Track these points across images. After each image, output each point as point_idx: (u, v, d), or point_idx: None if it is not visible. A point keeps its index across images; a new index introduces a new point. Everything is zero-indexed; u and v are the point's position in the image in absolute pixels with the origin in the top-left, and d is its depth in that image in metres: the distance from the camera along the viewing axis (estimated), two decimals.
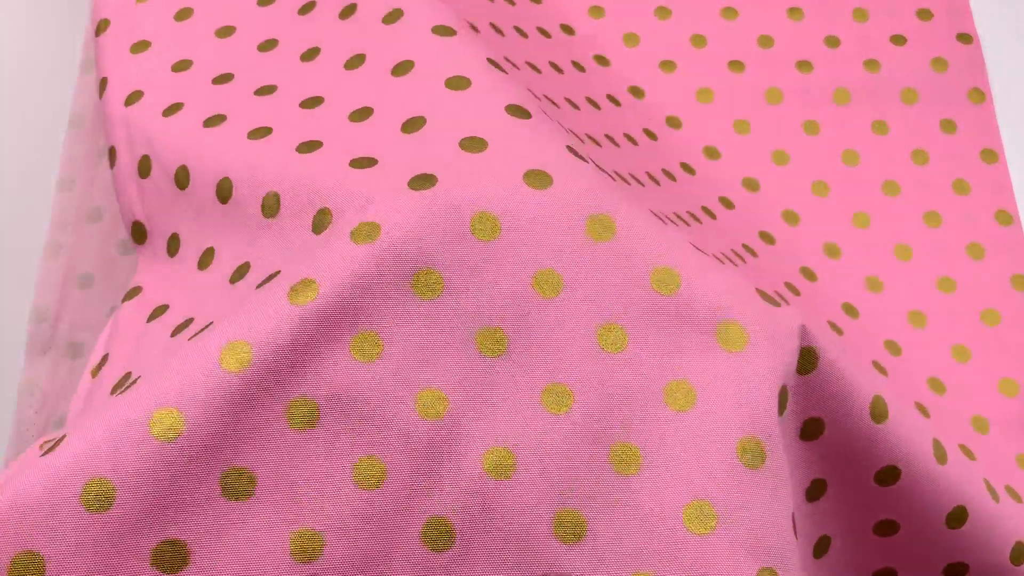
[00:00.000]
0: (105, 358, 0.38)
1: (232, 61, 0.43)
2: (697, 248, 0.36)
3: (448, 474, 0.32)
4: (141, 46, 0.44)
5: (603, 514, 0.32)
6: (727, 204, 0.48)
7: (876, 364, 0.44)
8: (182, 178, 0.39)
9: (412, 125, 0.37)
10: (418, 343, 0.32)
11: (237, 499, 0.30)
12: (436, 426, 0.32)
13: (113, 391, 0.34)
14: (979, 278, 0.49)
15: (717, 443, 0.33)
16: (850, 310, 0.46)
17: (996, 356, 0.47)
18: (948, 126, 0.52)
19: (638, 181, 0.42)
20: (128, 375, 0.34)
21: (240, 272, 0.36)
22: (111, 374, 0.36)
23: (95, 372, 0.38)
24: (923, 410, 0.44)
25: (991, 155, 0.52)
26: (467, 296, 0.33)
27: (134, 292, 0.40)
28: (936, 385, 0.46)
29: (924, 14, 0.55)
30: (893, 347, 0.46)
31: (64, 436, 0.30)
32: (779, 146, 0.51)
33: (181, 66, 0.43)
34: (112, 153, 0.42)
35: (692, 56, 0.54)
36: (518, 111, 0.37)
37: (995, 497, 0.39)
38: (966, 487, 0.38)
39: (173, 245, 0.40)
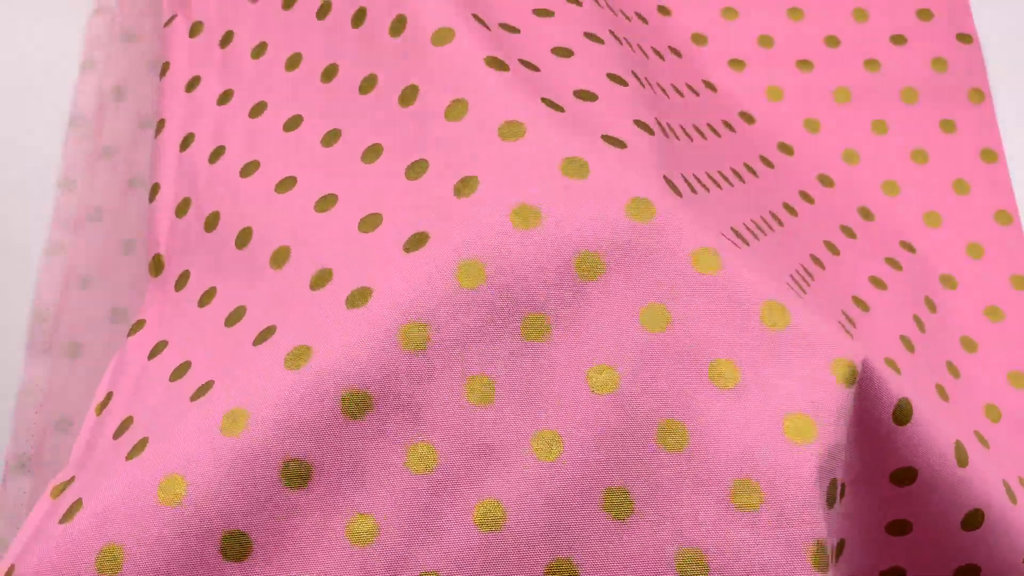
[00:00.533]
0: (109, 396, 0.39)
1: (265, 85, 0.44)
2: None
3: (443, 528, 0.33)
4: (194, 83, 0.46)
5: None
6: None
7: (889, 361, 0.44)
8: (211, 222, 0.41)
9: (415, 170, 0.37)
10: (407, 399, 0.33)
11: (238, 560, 0.32)
12: (428, 479, 0.33)
13: (115, 435, 0.36)
14: (979, 278, 0.49)
15: (710, 484, 0.33)
16: (859, 303, 0.46)
17: (1003, 349, 0.47)
18: (948, 126, 0.52)
19: (715, 182, 0.43)
20: (129, 420, 0.36)
21: (235, 316, 0.37)
22: (113, 415, 0.37)
23: (99, 410, 0.39)
24: (942, 392, 0.44)
25: (991, 155, 0.52)
26: (456, 350, 0.33)
27: (139, 326, 0.41)
28: (952, 371, 0.46)
29: (924, 14, 0.55)
30: (907, 343, 0.46)
31: (79, 500, 0.32)
32: (781, 139, 0.52)
33: (224, 98, 0.45)
34: (155, 189, 0.44)
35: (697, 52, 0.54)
36: (575, 166, 0.36)
37: (1012, 499, 0.39)
38: (986, 490, 0.38)
39: (182, 281, 0.41)
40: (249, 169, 0.42)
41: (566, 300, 0.34)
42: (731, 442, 0.33)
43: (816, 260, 0.45)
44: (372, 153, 0.39)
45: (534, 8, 0.44)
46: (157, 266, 0.42)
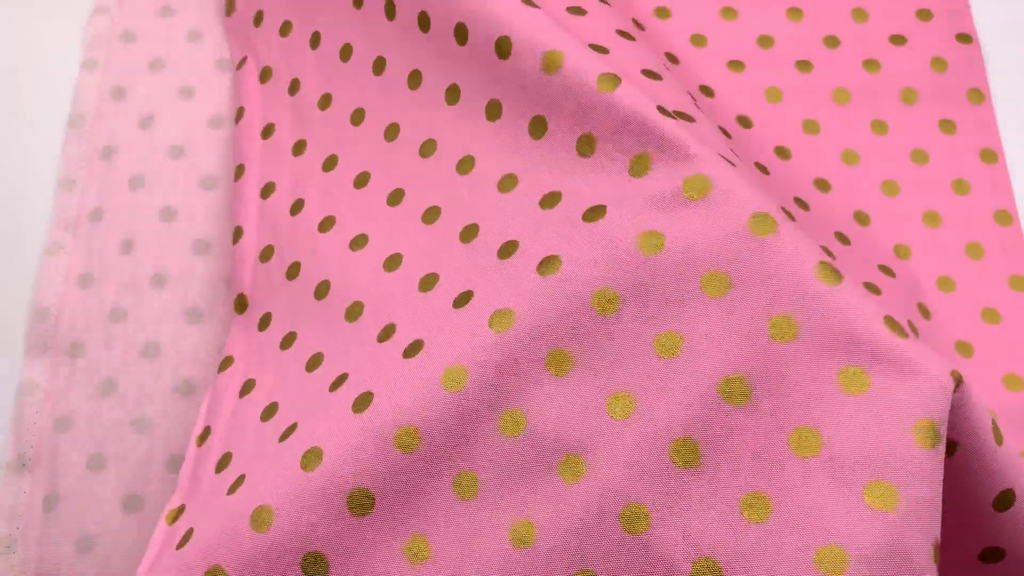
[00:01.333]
0: (208, 430, 0.43)
1: (333, 138, 0.48)
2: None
3: (483, 545, 0.38)
4: (269, 130, 0.50)
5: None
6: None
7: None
8: (293, 271, 0.45)
9: (467, 234, 0.41)
10: (450, 432, 0.37)
11: (360, 515, 0.36)
12: (470, 504, 0.37)
13: (217, 470, 0.41)
14: (978, 278, 0.49)
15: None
16: None
17: (998, 352, 0.47)
18: (947, 126, 0.52)
19: None
20: (228, 456, 0.41)
21: (314, 362, 0.42)
22: (214, 450, 0.42)
23: (199, 442, 0.43)
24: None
25: (990, 155, 0.52)
26: (488, 393, 0.37)
27: (227, 363, 0.45)
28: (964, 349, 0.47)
29: (924, 14, 0.55)
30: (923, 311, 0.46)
31: (191, 529, 0.38)
32: (779, 142, 0.51)
33: (299, 148, 0.49)
34: (238, 232, 0.48)
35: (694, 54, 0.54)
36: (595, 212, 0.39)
37: None
38: (1017, 471, 0.38)
39: (264, 322, 0.45)
40: (326, 225, 0.46)
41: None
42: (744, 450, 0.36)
43: None
44: (431, 215, 0.43)
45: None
46: (241, 305, 0.46)
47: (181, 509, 0.40)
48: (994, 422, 0.38)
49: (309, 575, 0.36)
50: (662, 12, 0.55)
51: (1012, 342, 0.47)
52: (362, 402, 0.37)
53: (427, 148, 0.45)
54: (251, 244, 0.47)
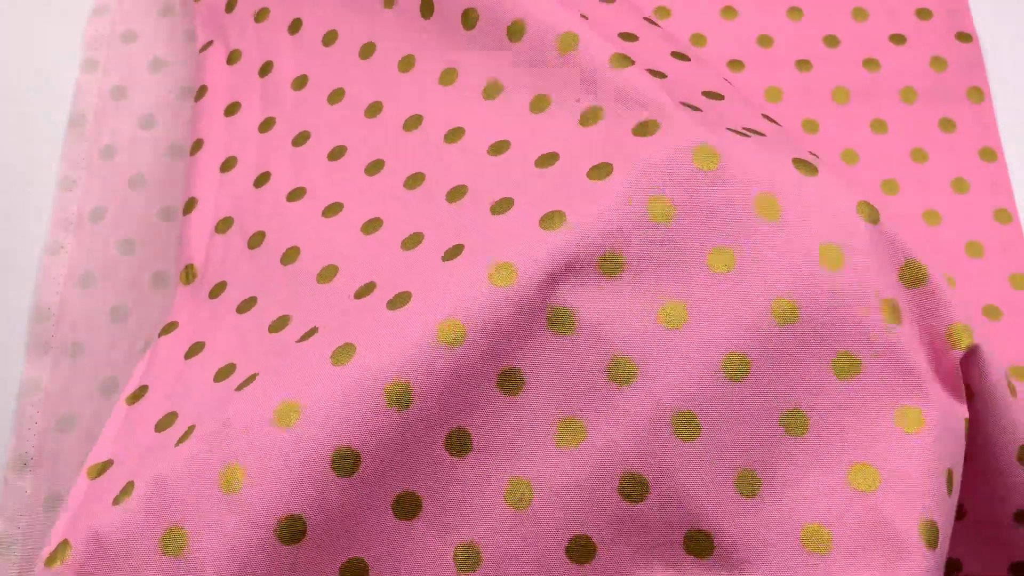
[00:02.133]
0: (143, 389, 0.40)
1: (306, 115, 0.46)
2: None
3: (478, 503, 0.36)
4: (233, 108, 0.48)
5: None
6: None
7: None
8: (256, 241, 0.43)
9: (454, 194, 0.40)
10: (445, 389, 0.35)
11: (292, 543, 0.34)
12: (464, 461, 0.36)
13: (158, 428, 0.37)
14: (978, 276, 0.49)
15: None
16: None
17: (1000, 348, 0.47)
18: (947, 125, 0.53)
19: None
20: (173, 415, 0.37)
21: (280, 323, 0.39)
22: (152, 408, 0.39)
23: (131, 400, 0.40)
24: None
25: (990, 154, 0.52)
26: (489, 345, 0.35)
27: (171, 327, 0.42)
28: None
29: (923, 13, 0.55)
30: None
31: (131, 482, 0.34)
32: None
33: (266, 126, 0.47)
34: (192, 203, 0.45)
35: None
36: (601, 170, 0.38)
37: None
38: None
39: (217, 290, 0.42)
40: (296, 195, 0.44)
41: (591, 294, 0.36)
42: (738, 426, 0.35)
43: None
44: (414, 180, 0.41)
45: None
46: (188, 275, 0.44)
47: (108, 463, 0.37)
48: (1008, 376, 0.37)
49: (284, 540, 0.33)
50: (662, 11, 0.55)
51: (1013, 338, 0.47)
52: (342, 354, 0.35)
53: (412, 123, 0.43)
54: (206, 215, 0.45)
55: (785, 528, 0.35)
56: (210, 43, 0.50)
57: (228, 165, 0.46)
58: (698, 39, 0.54)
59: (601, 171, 0.37)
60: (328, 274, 0.40)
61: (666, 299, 0.36)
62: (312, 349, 0.36)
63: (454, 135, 0.42)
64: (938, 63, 0.54)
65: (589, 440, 0.35)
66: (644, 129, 0.37)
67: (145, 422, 0.38)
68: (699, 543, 0.35)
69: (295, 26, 0.49)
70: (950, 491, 0.35)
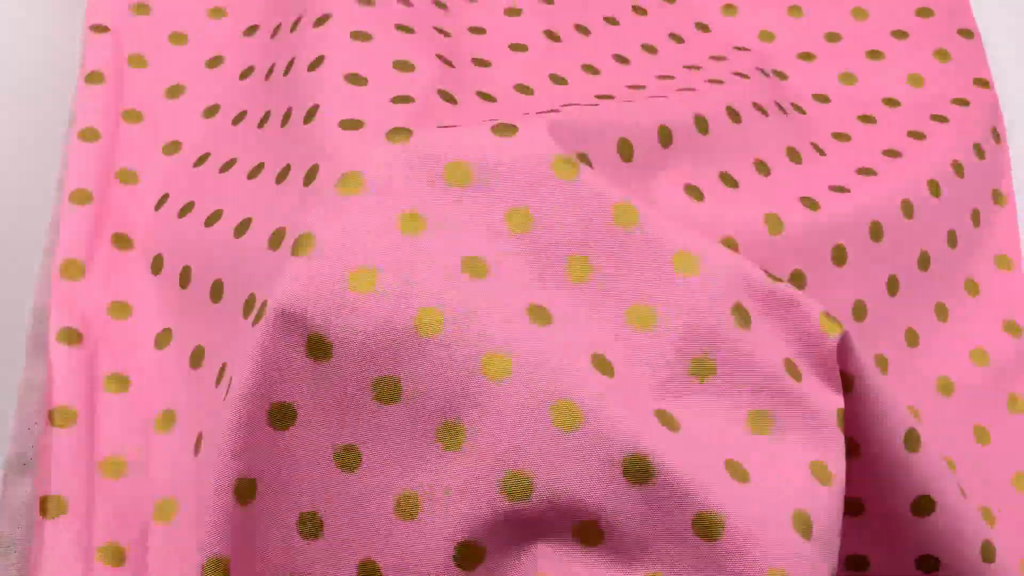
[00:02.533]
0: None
1: (214, 140, 0.47)
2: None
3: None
4: (133, 116, 0.48)
5: None
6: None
7: (858, 305, 0.45)
8: (157, 265, 0.44)
9: (308, 177, 0.39)
10: (320, 402, 0.36)
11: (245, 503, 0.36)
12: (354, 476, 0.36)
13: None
14: (967, 254, 0.49)
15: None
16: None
17: (972, 324, 0.48)
18: (961, 102, 0.52)
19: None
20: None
21: (197, 357, 0.41)
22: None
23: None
24: (882, 363, 0.45)
25: (1000, 197, 0.52)
26: (351, 350, 0.36)
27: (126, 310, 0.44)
28: (911, 337, 0.46)
29: (924, 12, 0.55)
30: (859, 309, 0.46)
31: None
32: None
33: (172, 148, 0.48)
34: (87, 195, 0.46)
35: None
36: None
37: (962, 490, 0.40)
38: (935, 477, 0.38)
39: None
40: (186, 208, 0.45)
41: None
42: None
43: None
44: (284, 173, 0.41)
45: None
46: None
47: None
48: (912, 430, 0.38)
49: (240, 498, 0.35)
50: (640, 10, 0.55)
51: (986, 317, 0.48)
52: (223, 379, 0.37)
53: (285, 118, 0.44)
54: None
55: (677, 515, 0.34)
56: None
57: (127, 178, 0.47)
58: (701, 28, 0.54)
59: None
60: (218, 291, 0.41)
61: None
62: (223, 384, 0.37)
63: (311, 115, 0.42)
64: (942, 55, 0.54)
65: (469, 441, 0.35)
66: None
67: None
68: (589, 533, 0.35)
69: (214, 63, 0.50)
70: (823, 482, 0.35)
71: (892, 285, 0.46)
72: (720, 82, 0.48)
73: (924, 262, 0.48)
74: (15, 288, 0.48)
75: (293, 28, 0.46)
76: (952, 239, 0.49)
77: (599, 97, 0.45)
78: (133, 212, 0.45)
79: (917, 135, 0.51)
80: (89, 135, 0.46)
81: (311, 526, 0.36)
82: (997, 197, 0.52)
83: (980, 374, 0.47)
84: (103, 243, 0.44)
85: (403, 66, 0.43)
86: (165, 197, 0.46)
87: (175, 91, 0.49)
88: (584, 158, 0.39)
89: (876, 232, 0.45)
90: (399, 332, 0.35)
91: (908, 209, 0.47)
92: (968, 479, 0.44)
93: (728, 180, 0.44)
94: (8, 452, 0.44)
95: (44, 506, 0.39)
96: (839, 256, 0.44)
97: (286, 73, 0.44)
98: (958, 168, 0.50)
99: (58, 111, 0.52)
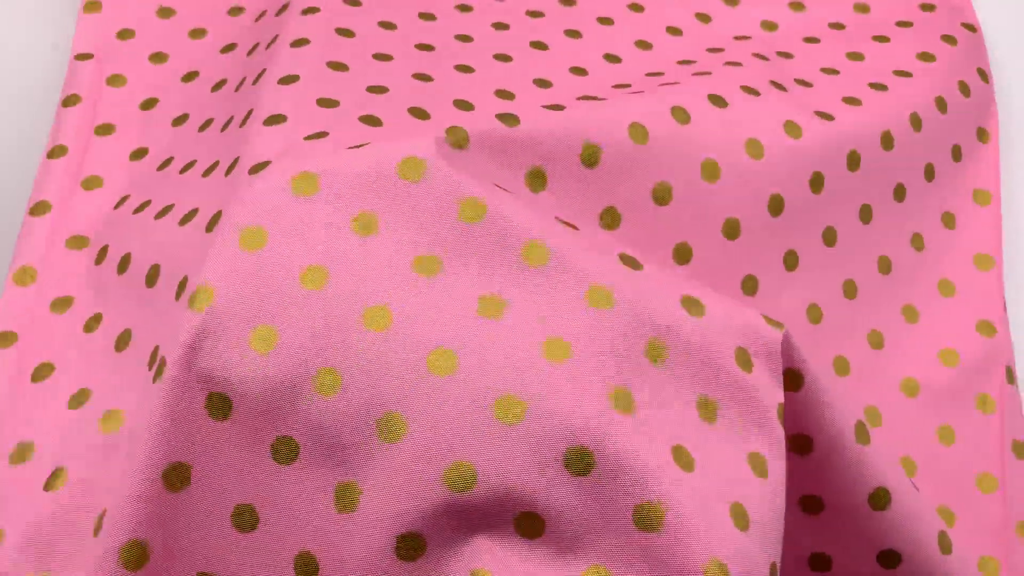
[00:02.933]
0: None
1: (180, 146, 0.46)
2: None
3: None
4: (107, 128, 0.48)
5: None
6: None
7: (812, 308, 0.45)
8: (100, 256, 0.44)
9: (256, 169, 0.39)
10: (262, 391, 0.35)
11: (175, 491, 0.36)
12: (292, 468, 0.36)
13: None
14: (949, 247, 0.50)
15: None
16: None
17: (944, 325, 0.48)
18: (964, 88, 0.51)
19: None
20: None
21: (123, 340, 0.40)
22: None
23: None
24: (843, 367, 0.45)
25: (984, 134, 0.52)
26: (297, 335, 0.35)
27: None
28: (875, 339, 0.47)
29: (927, 7, 0.54)
30: (814, 313, 0.46)
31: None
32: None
33: (137, 154, 0.47)
34: (45, 207, 0.46)
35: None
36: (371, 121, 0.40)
37: (914, 484, 0.40)
38: (887, 470, 0.39)
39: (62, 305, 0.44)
40: (142, 207, 0.44)
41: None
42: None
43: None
44: (232, 166, 0.41)
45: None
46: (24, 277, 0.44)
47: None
48: (861, 423, 0.38)
49: (127, 564, 0.35)
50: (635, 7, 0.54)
51: (958, 317, 0.48)
52: (156, 366, 0.36)
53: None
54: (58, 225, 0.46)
55: (618, 506, 0.34)
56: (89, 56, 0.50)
57: (90, 185, 0.47)
58: (704, 17, 0.53)
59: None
60: (153, 276, 0.40)
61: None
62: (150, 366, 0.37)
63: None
64: (950, 40, 0.52)
65: (410, 432, 0.35)
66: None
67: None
68: (530, 525, 0.35)
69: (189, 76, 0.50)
70: (759, 474, 0.35)
71: (865, 213, 0.46)
72: (708, 73, 0.47)
73: (900, 193, 0.48)
74: None
75: (269, 46, 0.47)
76: (930, 172, 0.49)
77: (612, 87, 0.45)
78: (92, 214, 0.46)
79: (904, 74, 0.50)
80: (57, 152, 0.47)
81: (247, 518, 0.36)
82: (982, 134, 0.51)
83: (948, 374, 0.47)
84: (57, 248, 0.45)
85: (375, 89, 0.43)
86: (125, 198, 0.46)
87: (149, 103, 0.49)
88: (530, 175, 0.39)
89: (853, 161, 0.45)
90: (341, 323, 0.35)
91: (888, 141, 0.47)
92: (928, 479, 0.44)
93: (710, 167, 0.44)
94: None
95: None
96: (817, 183, 0.44)
97: (254, 83, 0.45)
98: (941, 104, 0.49)
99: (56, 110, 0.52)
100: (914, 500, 0.39)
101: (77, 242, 0.45)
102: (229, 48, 0.50)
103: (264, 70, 0.44)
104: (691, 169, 0.42)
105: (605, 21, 0.52)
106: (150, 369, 0.38)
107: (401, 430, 0.35)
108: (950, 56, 0.51)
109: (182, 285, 0.38)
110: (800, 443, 0.38)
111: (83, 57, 0.50)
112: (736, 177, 0.43)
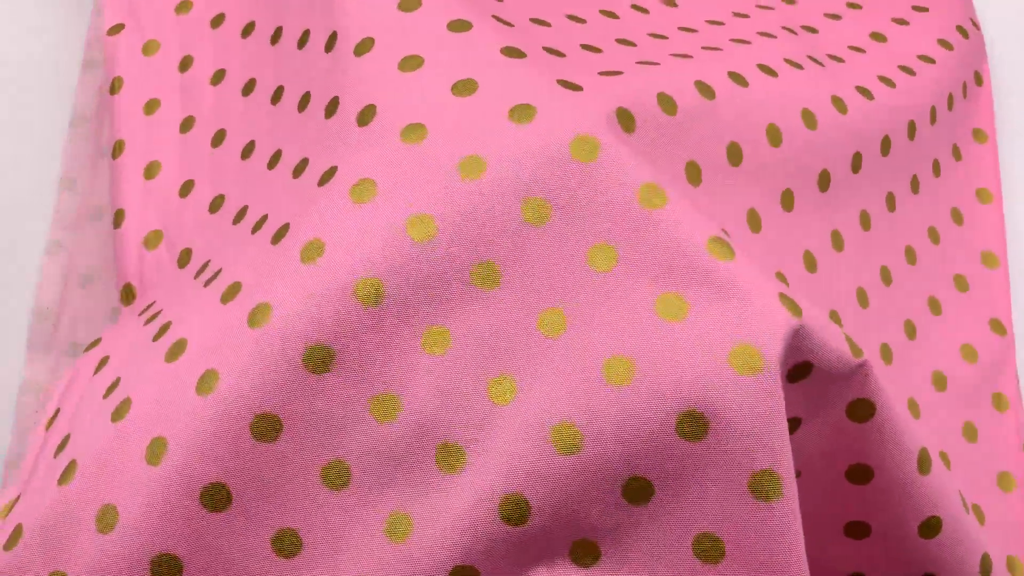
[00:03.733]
0: (57, 413, 0.40)
1: (223, 111, 0.45)
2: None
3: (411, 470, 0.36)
4: (153, 105, 0.47)
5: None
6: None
7: (860, 292, 0.44)
8: (184, 258, 0.42)
9: (364, 116, 0.37)
10: (367, 352, 0.34)
11: (219, 510, 0.34)
12: (392, 426, 0.34)
13: (55, 454, 0.37)
14: (957, 246, 0.49)
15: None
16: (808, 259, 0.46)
17: (961, 319, 0.47)
18: (964, 89, 0.52)
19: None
20: (67, 439, 0.37)
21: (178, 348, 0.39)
22: (56, 433, 0.38)
23: (48, 425, 0.40)
24: (887, 354, 0.44)
25: (982, 135, 0.52)
26: (409, 302, 0.34)
27: (94, 344, 0.42)
28: (910, 329, 0.46)
29: (922, 9, 0.55)
30: (861, 296, 0.45)
31: (20, 526, 0.34)
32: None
33: (186, 126, 0.46)
34: (120, 215, 0.44)
35: None
36: (521, 112, 0.37)
37: (966, 508, 0.39)
38: (943, 499, 0.38)
39: (148, 314, 0.41)
40: (216, 204, 0.43)
41: (514, 246, 0.35)
42: (677, 372, 0.34)
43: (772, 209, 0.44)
44: (302, 166, 0.40)
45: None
46: (128, 295, 0.43)
47: (16, 500, 0.37)
48: (924, 451, 0.37)
49: (210, 508, 0.34)
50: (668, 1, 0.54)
51: (976, 313, 0.48)
52: (258, 313, 0.34)
53: (304, 102, 0.42)
54: (135, 229, 0.44)
55: (677, 535, 0.34)
56: (121, 26, 0.49)
57: (152, 171, 0.45)
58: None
59: (473, 167, 0.35)
60: (234, 291, 0.38)
61: (545, 306, 0.35)
62: (236, 309, 0.35)
63: (365, 115, 0.40)
64: (945, 44, 0.53)
65: (520, 395, 0.34)
66: (521, 115, 0.36)
67: (48, 455, 0.38)
68: (585, 552, 0.34)
69: (217, 20, 0.48)
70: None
71: (890, 201, 0.46)
72: (747, 42, 0.46)
73: (915, 184, 0.48)
74: (15, 288, 0.48)
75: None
76: (937, 167, 0.49)
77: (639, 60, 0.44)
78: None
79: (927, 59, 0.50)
80: (117, 85, 0.46)
81: (289, 543, 0.34)
82: (978, 135, 0.52)
83: (969, 370, 0.47)
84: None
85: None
86: (223, 132, 0.45)
87: (187, 63, 0.48)
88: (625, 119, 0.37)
89: (886, 146, 0.45)
90: (401, 349, 0.34)
91: (912, 130, 0.47)
92: (959, 477, 0.44)
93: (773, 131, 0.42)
94: (8, 452, 0.44)
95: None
96: (856, 162, 0.44)
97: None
98: (950, 100, 0.50)
99: (59, 110, 0.52)
100: (963, 526, 0.39)
101: (153, 240, 0.44)
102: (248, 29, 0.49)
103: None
104: (757, 131, 0.41)
105: None
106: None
107: (460, 460, 0.34)
108: (960, 49, 0.51)
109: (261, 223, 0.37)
110: (862, 472, 0.38)
111: (115, 31, 0.49)
112: (794, 146, 0.42)
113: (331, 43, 0.41)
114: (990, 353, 0.47)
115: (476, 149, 0.35)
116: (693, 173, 0.39)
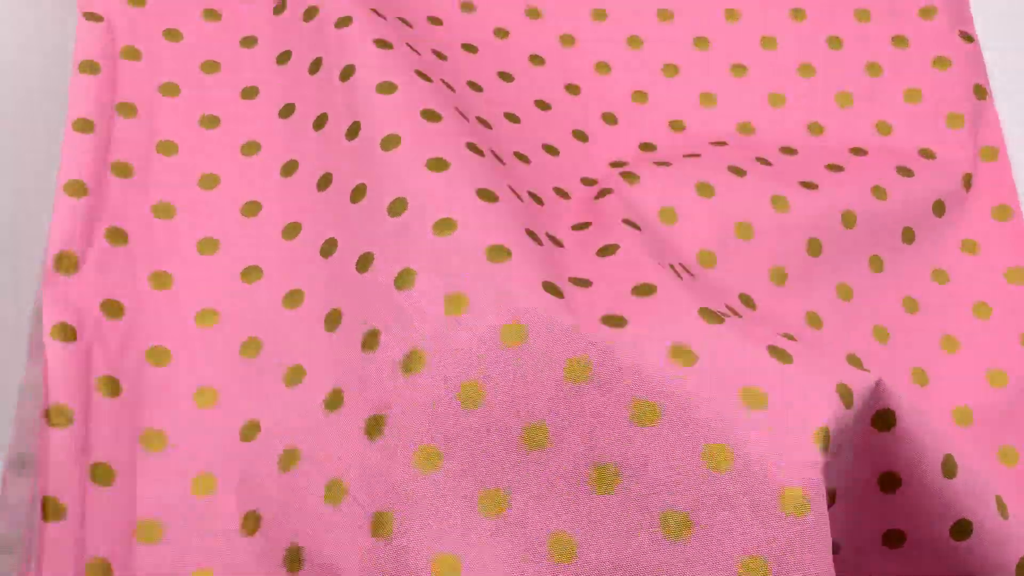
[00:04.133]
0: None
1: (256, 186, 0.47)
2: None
3: None
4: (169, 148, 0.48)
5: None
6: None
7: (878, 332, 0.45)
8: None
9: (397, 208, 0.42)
10: (469, 448, 0.37)
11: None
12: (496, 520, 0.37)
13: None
14: (975, 271, 0.49)
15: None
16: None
17: (987, 345, 0.48)
18: (956, 121, 0.53)
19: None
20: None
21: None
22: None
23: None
24: (920, 376, 0.45)
25: (992, 153, 0.52)
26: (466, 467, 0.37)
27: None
28: (919, 377, 0.46)
29: (927, 13, 0.55)
30: (881, 333, 0.46)
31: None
32: (785, 143, 0.52)
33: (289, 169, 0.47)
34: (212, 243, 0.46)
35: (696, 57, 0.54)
36: (487, 194, 0.41)
37: (1004, 514, 0.40)
38: (972, 502, 0.38)
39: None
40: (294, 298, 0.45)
41: (561, 407, 0.37)
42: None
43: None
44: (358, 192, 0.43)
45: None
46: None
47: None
48: (949, 456, 0.38)
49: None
50: (664, 15, 0.55)
51: (1001, 335, 0.48)
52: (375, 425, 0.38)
53: (324, 182, 0.45)
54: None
55: (721, 565, 0.35)
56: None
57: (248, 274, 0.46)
58: (701, 43, 0.54)
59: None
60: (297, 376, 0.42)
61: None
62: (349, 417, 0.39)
63: (388, 143, 0.43)
64: (941, 63, 0.54)
65: (624, 484, 0.36)
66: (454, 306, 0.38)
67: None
68: (754, 568, 0.35)
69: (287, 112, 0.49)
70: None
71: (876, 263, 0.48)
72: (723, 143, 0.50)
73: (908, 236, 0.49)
74: (15, 288, 0.48)
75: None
76: (939, 207, 0.50)
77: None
78: (128, 207, 0.45)
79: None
80: (83, 126, 0.45)
81: (448, 566, 0.36)
82: (988, 152, 0.52)
83: (999, 395, 0.47)
84: (98, 237, 0.44)
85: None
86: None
87: (170, 89, 0.48)
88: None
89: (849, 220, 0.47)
90: (549, 380, 0.37)
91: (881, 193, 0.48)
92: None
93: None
94: (8, 452, 0.44)
95: (44, 508, 0.39)
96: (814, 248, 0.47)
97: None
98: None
99: (58, 108, 0.51)
100: (997, 529, 0.39)
101: (116, 237, 0.44)
102: (249, 42, 0.50)
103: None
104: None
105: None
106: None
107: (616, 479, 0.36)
108: (957, 66, 0.53)
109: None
110: (888, 481, 0.38)
111: (92, 17, 0.49)
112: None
113: (353, 132, 0.45)
114: (990, 410, 0.47)
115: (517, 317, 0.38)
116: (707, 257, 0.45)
